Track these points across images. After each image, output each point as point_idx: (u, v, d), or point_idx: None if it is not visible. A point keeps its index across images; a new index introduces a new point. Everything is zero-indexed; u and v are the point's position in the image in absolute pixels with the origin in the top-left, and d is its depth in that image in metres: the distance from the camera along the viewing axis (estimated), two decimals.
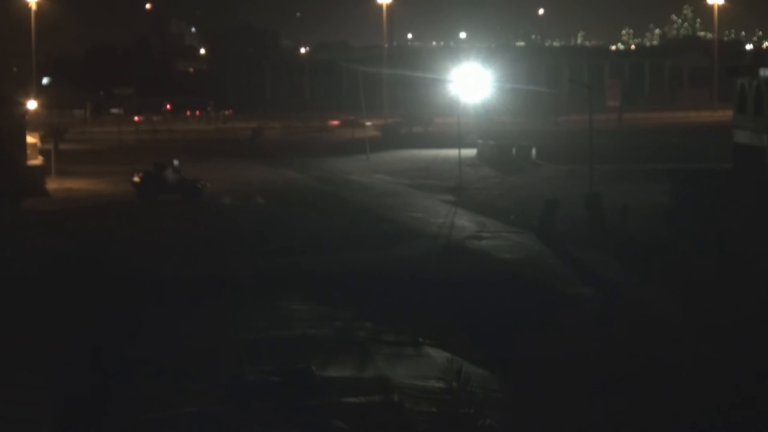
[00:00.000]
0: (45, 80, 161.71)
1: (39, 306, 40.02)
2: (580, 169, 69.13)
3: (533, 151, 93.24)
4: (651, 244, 51.43)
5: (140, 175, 72.83)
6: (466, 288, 42.89)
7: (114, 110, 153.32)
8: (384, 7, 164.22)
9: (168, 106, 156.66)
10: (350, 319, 37.56)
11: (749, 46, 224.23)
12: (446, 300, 40.63)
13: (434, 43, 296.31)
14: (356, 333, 35.98)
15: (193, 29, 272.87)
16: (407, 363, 32.16)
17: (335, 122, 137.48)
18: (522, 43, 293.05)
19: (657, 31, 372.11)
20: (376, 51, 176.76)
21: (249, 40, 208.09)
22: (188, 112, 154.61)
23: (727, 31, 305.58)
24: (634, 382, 30.48)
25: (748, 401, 28.81)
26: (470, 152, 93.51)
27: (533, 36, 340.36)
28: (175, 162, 74.85)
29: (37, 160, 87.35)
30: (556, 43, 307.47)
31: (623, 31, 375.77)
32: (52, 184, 78.25)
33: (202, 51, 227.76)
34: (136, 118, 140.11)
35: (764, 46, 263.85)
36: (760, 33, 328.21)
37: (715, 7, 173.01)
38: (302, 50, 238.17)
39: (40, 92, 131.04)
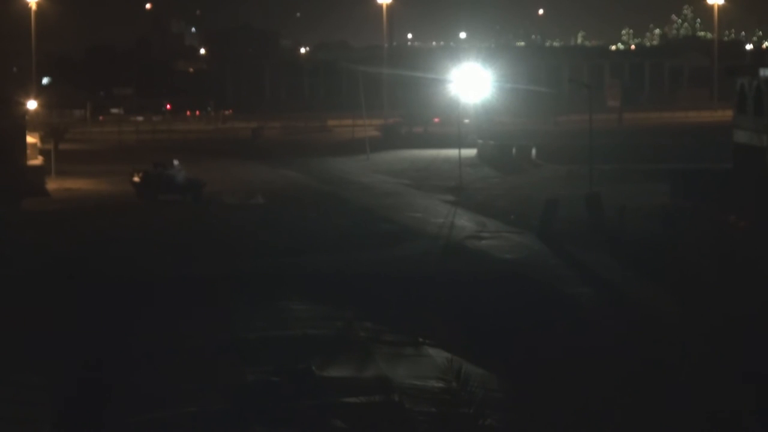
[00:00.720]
0: (45, 80, 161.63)
1: (39, 306, 40.02)
2: (580, 169, 69.14)
3: (533, 151, 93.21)
4: (651, 244, 51.43)
5: (140, 175, 72.81)
6: (466, 288, 42.90)
7: (114, 110, 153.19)
8: (384, 7, 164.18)
9: (168, 106, 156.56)
10: (350, 319, 37.56)
11: (749, 46, 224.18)
12: (446, 300, 40.64)
13: (434, 43, 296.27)
14: (356, 333, 35.98)
15: (193, 29, 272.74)
16: (407, 363, 32.16)
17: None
18: (522, 43, 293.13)
19: (657, 31, 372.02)
20: (376, 51, 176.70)
21: (249, 40, 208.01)
22: (188, 112, 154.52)
23: (727, 31, 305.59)
24: (633, 382, 30.48)
25: (747, 402, 28.82)
26: (470, 152, 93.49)
27: (533, 36, 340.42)
28: (175, 162, 74.83)
29: (37, 160, 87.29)
30: (556, 43, 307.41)
31: (623, 31, 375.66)
32: (52, 184, 78.25)
33: (202, 51, 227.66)
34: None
35: (764, 46, 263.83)
36: (760, 33, 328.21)
37: (715, 7, 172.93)
38: (302, 50, 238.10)
39: (40, 92, 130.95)
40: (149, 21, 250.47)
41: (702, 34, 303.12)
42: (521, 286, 43.83)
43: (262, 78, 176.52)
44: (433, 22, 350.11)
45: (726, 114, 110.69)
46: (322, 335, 35.28)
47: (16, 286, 43.57)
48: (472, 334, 35.70)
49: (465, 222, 61.16)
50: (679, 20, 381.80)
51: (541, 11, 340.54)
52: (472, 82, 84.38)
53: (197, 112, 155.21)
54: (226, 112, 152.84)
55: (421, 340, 34.84)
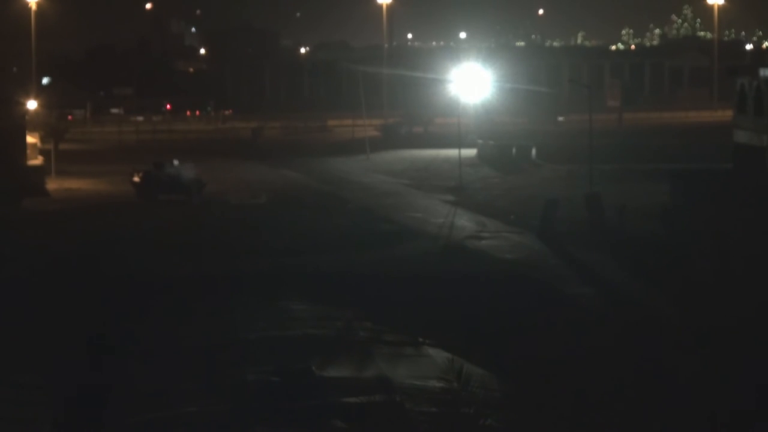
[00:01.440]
0: (45, 80, 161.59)
1: (39, 306, 40.04)
2: (580, 169, 69.16)
3: (533, 151, 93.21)
4: (651, 245, 51.43)
5: (140, 175, 72.82)
6: (466, 288, 42.91)
7: (114, 110, 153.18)
8: (384, 7, 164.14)
9: (168, 106, 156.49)
10: (350, 319, 37.57)
11: (749, 46, 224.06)
12: (446, 300, 40.64)
13: (434, 43, 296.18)
14: (356, 333, 35.99)
15: (193, 29, 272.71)
16: (407, 363, 32.16)
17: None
18: (522, 43, 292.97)
19: (657, 31, 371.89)
20: (376, 51, 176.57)
21: (249, 40, 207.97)
22: (188, 112, 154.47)
23: (727, 31, 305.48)
24: (633, 382, 30.48)
25: (747, 402, 28.82)
26: (470, 152, 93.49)
27: (533, 36, 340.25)
28: (175, 162, 74.84)
29: (37, 160, 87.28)
30: (556, 43, 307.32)
31: (623, 31, 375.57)
32: (52, 184, 78.24)
33: (202, 51, 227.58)
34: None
35: (764, 46, 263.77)
36: (760, 33, 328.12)
37: (715, 7, 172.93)
38: (302, 50, 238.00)
39: (40, 92, 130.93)
40: (149, 21, 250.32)
41: (702, 34, 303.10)
42: (521, 286, 43.84)
43: (262, 78, 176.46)
44: (433, 22, 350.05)
45: (726, 114, 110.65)
46: (322, 335, 35.28)
47: (15, 286, 43.56)
48: (472, 334, 35.70)
49: (465, 222, 61.17)
50: (679, 20, 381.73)
51: (541, 11, 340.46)
52: (472, 82, 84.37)
53: (197, 112, 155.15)
54: (226, 112, 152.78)
55: (421, 340, 34.84)
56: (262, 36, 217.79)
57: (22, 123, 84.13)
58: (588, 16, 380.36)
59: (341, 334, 35.79)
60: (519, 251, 51.65)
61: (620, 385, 30.17)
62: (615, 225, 55.94)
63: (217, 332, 35.48)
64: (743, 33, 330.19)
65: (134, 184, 73.05)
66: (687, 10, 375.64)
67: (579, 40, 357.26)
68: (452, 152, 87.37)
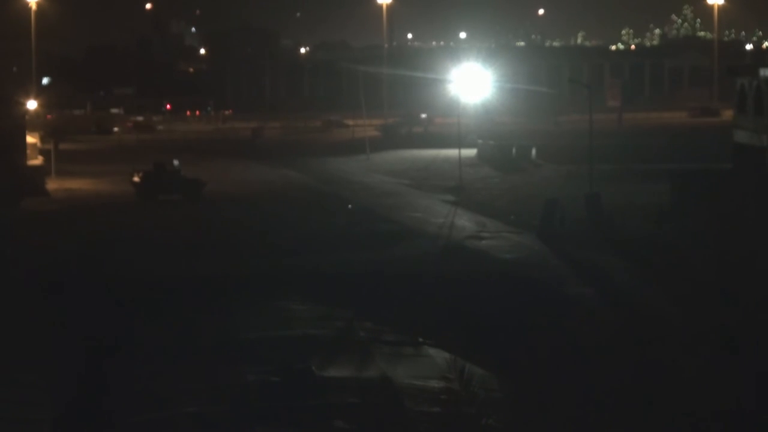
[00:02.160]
0: (45, 80, 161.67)
1: (39, 306, 40.02)
2: (580, 169, 69.14)
3: (533, 151, 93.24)
4: (651, 245, 51.43)
5: (140, 175, 72.83)
6: (466, 288, 42.89)
7: (114, 110, 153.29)
8: (384, 7, 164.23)
9: (168, 106, 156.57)
10: (350, 319, 37.57)
11: (749, 46, 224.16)
12: (446, 300, 40.63)
13: (434, 43, 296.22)
14: (356, 333, 35.98)
15: (193, 29, 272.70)
16: (407, 363, 32.15)
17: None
18: (522, 43, 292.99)
19: (657, 31, 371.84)
20: (376, 51, 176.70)
21: (249, 40, 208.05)
22: (188, 112, 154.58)
23: (727, 31, 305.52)
24: (633, 382, 30.49)
25: (747, 402, 28.82)
26: (470, 152, 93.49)
27: (533, 36, 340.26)
28: (175, 162, 74.82)
29: (37, 160, 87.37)
30: (556, 43, 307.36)
31: (623, 31, 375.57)
32: (52, 184, 78.23)
33: (202, 51, 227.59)
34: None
35: (764, 46, 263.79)
36: (760, 33, 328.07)
37: (715, 7, 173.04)
38: (302, 50, 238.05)
39: (40, 92, 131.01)
40: (149, 21, 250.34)
41: (702, 34, 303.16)
42: (521, 286, 43.83)
43: (262, 78, 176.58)
44: (433, 22, 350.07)
45: (726, 114, 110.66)
46: (322, 335, 35.28)
47: (15, 286, 43.55)
48: (472, 334, 35.69)
49: (465, 222, 61.17)
50: (679, 20, 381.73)
51: (541, 11, 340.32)
52: (472, 82, 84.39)
53: (197, 112, 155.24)
54: (226, 112, 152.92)
55: (421, 340, 34.84)
56: (262, 36, 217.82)
57: (22, 123, 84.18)
58: (588, 16, 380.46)
59: (341, 334, 35.79)
60: (519, 251, 51.64)
61: (621, 384, 30.18)
62: (614, 225, 55.95)
63: (217, 332, 35.47)
64: (743, 33, 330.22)
65: (134, 184, 73.05)
66: (687, 10, 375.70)
67: (579, 40, 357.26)
68: (452, 152, 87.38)
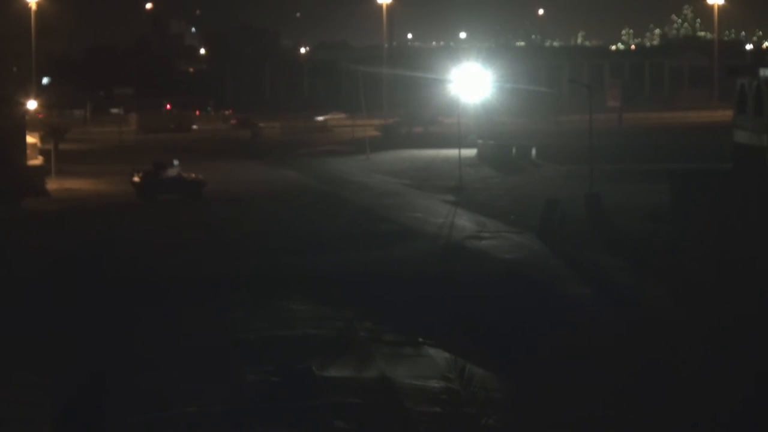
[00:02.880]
0: (45, 80, 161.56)
1: (39, 306, 40.03)
2: (580, 169, 69.12)
3: (533, 151, 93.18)
4: (651, 245, 51.42)
5: (140, 175, 72.85)
6: (466, 288, 42.90)
7: (114, 110, 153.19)
8: (384, 7, 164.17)
9: (168, 106, 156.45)
10: (350, 319, 37.58)
11: (749, 46, 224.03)
12: (446, 300, 40.64)
13: (434, 43, 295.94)
14: (356, 333, 36.00)
15: (193, 29, 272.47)
16: (407, 363, 32.17)
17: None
18: (522, 43, 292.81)
19: (657, 31, 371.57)
20: (376, 51, 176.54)
21: (249, 40, 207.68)
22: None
23: (727, 31, 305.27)
24: (634, 382, 30.49)
25: (747, 402, 28.82)
26: (470, 152, 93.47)
27: (533, 36, 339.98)
28: (175, 162, 74.82)
29: (37, 160, 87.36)
30: (556, 43, 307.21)
31: (623, 31, 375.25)
32: (52, 184, 78.22)
33: (202, 51, 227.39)
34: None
35: (764, 46, 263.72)
36: (760, 33, 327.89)
37: (715, 7, 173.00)
38: (302, 50, 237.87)
39: (40, 92, 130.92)
40: (149, 21, 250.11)
41: (702, 34, 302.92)
42: (521, 286, 43.83)
43: (262, 78, 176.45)
44: (433, 22, 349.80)
45: (726, 114, 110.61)
46: (322, 335, 35.29)
47: (15, 286, 43.55)
48: (472, 334, 35.70)
49: (465, 222, 61.16)
50: (679, 20, 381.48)
51: (541, 11, 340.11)
52: (472, 82, 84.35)
53: (197, 112, 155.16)
54: (226, 112, 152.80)
55: (421, 340, 34.85)
56: (262, 36, 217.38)
57: (22, 123, 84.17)
58: (588, 16, 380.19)
59: (341, 334, 35.80)
60: (519, 251, 51.65)
61: (621, 384, 30.18)
62: (613, 225, 55.97)
63: (217, 332, 35.48)
64: (743, 33, 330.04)
65: (134, 184, 73.07)
66: (687, 10, 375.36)
67: (579, 40, 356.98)
68: (452, 152, 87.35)
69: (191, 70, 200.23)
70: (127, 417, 27.47)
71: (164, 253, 51.37)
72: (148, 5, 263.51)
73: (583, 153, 66.50)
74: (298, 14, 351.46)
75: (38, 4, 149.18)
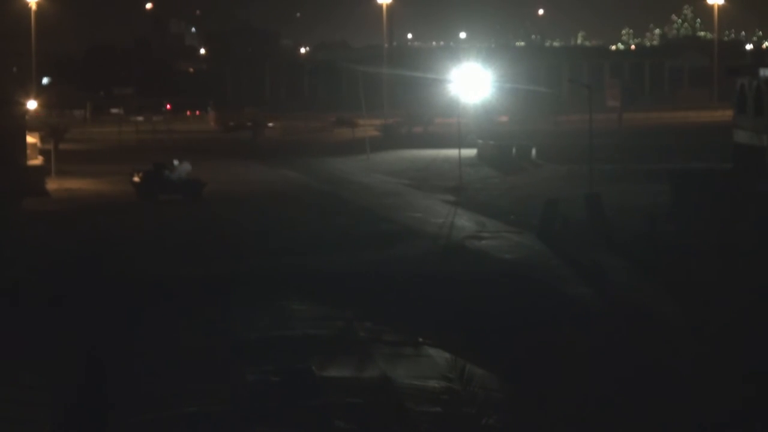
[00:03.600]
0: (45, 80, 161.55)
1: (39, 306, 40.02)
2: (580, 169, 69.13)
3: (533, 151, 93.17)
4: (651, 245, 51.42)
5: (140, 175, 72.84)
6: (466, 288, 42.91)
7: (114, 110, 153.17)
8: (384, 7, 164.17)
9: (168, 106, 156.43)
10: (350, 319, 37.59)
11: (749, 46, 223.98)
12: (446, 300, 40.66)
13: (434, 43, 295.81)
14: (356, 333, 36.00)
15: (193, 29, 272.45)
16: (407, 363, 32.17)
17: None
18: (522, 43, 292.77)
19: (657, 31, 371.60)
20: (376, 51, 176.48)
21: (249, 40, 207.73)
22: (188, 112, 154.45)
23: (727, 31, 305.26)
24: (633, 382, 30.50)
25: (747, 401, 28.82)
26: (470, 152, 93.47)
27: (533, 36, 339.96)
28: (175, 162, 74.83)
29: (37, 160, 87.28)
30: (556, 43, 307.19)
31: (623, 31, 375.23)
32: (52, 184, 78.22)
33: (202, 51, 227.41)
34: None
35: (764, 46, 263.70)
36: (760, 33, 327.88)
37: (715, 7, 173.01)
38: (302, 50, 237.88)
39: (40, 92, 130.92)
40: (149, 21, 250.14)
41: (702, 34, 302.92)
42: (521, 286, 43.84)
43: (262, 78, 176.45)
44: (433, 22, 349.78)
45: (726, 114, 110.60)
46: (322, 335, 35.29)
47: (15, 286, 43.54)
48: (472, 333, 35.70)
49: (465, 222, 61.17)
50: (679, 20, 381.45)
51: (541, 11, 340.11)
52: (472, 82, 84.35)
53: (197, 112, 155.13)
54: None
55: (421, 340, 34.85)
56: (262, 36, 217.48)
57: (22, 123, 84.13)
58: (588, 16, 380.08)
59: (341, 334, 35.81)
60: (519, 251, 51.66)
61: (621, 384, 30.19)
62: (613, 225, 55.96)
63: (217, 332, 35.48)
64: (743, 33, 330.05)
65: (134, 184, 73.06)
66: (687, 10, 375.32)
67: (579, 40, 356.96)
68: (452, 152, 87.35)
69: (191, 70, 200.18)
70: (127, 417, 27.48)
71: (164, 253, 51.38)
72: (148, 5, 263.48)
73: (583, 153, 66.51)
74: (298, 14, 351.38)
75: (38, 4, 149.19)
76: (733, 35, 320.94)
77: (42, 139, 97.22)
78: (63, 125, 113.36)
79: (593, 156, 62.57)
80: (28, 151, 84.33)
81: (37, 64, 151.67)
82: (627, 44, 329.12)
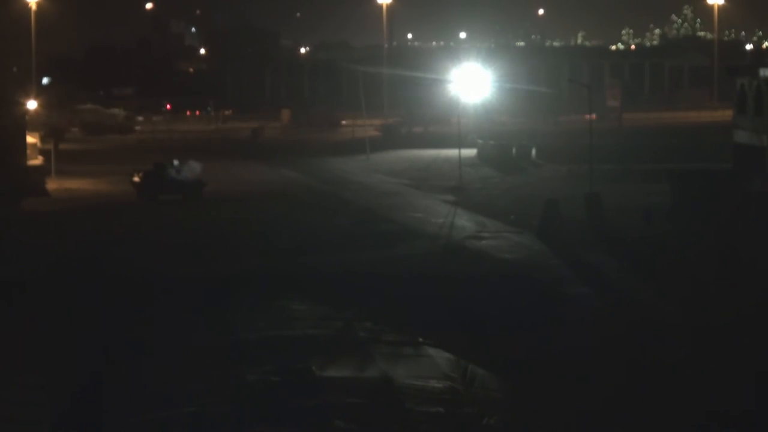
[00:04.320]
0: (45, 80, 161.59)
1: (39, 306, 40.03)
2: (580, 169, 69.15)
3: (533, 151, 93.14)
4: (651, 245, 51.43)
5: (140, 175, 72.83)
6: (466, 288, 42.91)
7: (114, 110, 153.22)
8: (384, 7, 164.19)
9: (168, 106, 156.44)
10: (350, 319, 37.59)
11: (749, 46, 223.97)
12: (446, 300, 40.66)
13: (434, 43, 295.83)
14: (356, 333, 36.00)
15: (193, 29, 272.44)
16: (407, 363, 32.16)
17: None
18: (522, 43, 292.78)
19: (657, 31, 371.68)
20: (376, 51, 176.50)
21: (249, 40, 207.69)
22: (188, 112, 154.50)
23: (727, 31, 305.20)
24: (634, 382, 30.50)
25: (747, 402, 28.83)
26: (470, 152, 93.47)
27: (533, 36, 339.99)
28: (175, 162, 74.81)
29: (37, 160, 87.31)
30: (556, 43, 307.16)
31: (623, 31, 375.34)
32: (52, 184, 78.21)
33: (202, 51, 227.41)
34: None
35: (764, 46, 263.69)
36: (760, 33, 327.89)
37: (715, 7, 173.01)
38: (302, 50, 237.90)
39: (40, 92, 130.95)
40: (149, 21, 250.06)
41: (702, 34, 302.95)
42: (521, 286, 43.84)
43: (262, 78, 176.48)
44: (433, 22, 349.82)
45: (726, 114, 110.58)
46: (322, 335, 35.30)
47: (15, 286, 43.54)
48: (472, 334, 35.71)
49: (465, 222, 61.17)
50: (679, 20, 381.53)
51: (541, 11, 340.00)
52: (472, 82, 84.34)
53: (197, 112, 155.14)
54: (226, 112, 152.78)
55: (421, 340, 34.85)
56: (262, 36, 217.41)
57: (22, 123, 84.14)
58: (588, 16, 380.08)
59: (341, 334, 35.81)
60: (519, 251, 51.66)
61: (621, 384, 30.19)
62: (613, 224, 55.99)
63: (217, 332, 35.49)
64: (743, 33, 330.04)
65: (134, 184, 73.06)
66: (687, 10, 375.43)
67: (579, 40, 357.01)
68: (452, 152, 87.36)
69: (191, 70, 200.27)
70: (127, 417, 27.48)
71: (164, 252, 51.37)
72: (148, 5, 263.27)
73: (583, 153, 66.52)
74: (298, 14, 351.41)
75: (38, 4, 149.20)
76: (733, 35, 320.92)
77: (42, 139, 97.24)
78: (63, 125, 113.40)
79: (593, 156, 62.57)
80: (28, 151, 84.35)
81: (37, 64, 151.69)
82: (627, 44, 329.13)
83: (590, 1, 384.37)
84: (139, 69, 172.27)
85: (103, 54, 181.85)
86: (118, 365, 32.03)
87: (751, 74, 64.11)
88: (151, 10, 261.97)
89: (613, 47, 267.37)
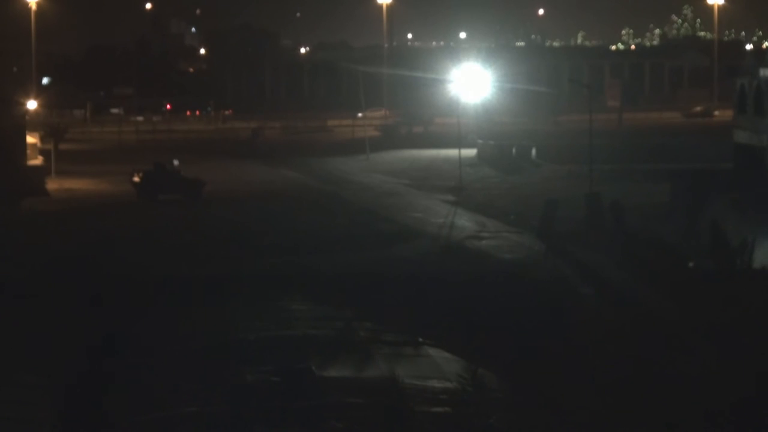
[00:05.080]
0: (45, 80, 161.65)
1: (39, 306, 40.01)
2: (580, 169, 69.14)
3: (533, 151, 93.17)
4: (651, 244, 51.35)
5: (140, 175, 72.85)
6: (466, 288, 42.90)
7: (114, 110, 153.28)
8: (384, 7, 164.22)
9: (168, 106, 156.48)
10: (350, 319, 37.58)
11: (749, 46, 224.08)
12: (446, 300, 40.64)
13: (434, 43, 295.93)
14: (356, 333, 36.00)
15: (193, 29, 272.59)
16: (407, 363, 32.16)
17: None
18: (522, 43, 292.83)
19: (657, 31, 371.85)
20: (376, 51, 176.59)
21: (249, 40, 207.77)
22: (188, 112, 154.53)
23: (727, 31, 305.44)
24: (634, 382, 30.49)
25: (747, 402, 28.80)
26: (470, 152, 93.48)
27: (533, 36, 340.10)
28: (175, 162, 74.82)
29: (37, 160, 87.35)
30: (556, 43, 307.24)
31: (623, 31, 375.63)
32: (52, 184, 78.25)
33: (202, 51, 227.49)
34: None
35: (764, 46, 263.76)
36: (760, 33, 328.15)
37: (715, 7, 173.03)
38: (302, 50, 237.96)
39: (40, 92, 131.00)
40: (149, 21, 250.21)
41: (702, 34, 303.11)
42: (521, 285, 43.82)
43: (262, 78, 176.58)
44: (433, 22, 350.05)
45: (726, 114, 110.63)
46: (322, 335, 35.29)
47: (15, 286, 43.54)
48: (472, 333, 35.69)
49: (465, 222, 61.16)
50: (679, 20, 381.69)
51: (541, 11, 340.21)
52: (472, 82, 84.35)
53: (197, 112, 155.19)
54: (226, 112, 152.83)
55: (421, 340, 34.84)
56: (262, 36, 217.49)
57: (22, 123, 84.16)
58: (588, 16, 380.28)
59: (341, 334, 35.80)
60: (519, 251, 51.65)
61: (621, 384, 30.18)
62: (612, 223, 55.93)
63: (217, 332, 35.48)
64: (743, 33, 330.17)
65: (134, 184, 73.07)
66: (687, 10, 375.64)
67: (579, 40, 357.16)
68: (452, 152, 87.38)
69: (191, 70, 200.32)
70: (127, 417, 27.47)
71: (164, 252, 51.37)
72: (148, 5, 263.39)
73: (583, 153, 66.54)
74: (298, 14, 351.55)
75: (38, 4, 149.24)
76: (733, 35, 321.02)
77: (42, 139, 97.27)
78: (63, 125, 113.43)
79: (593, 156, 62.56)
80: (28, 151, 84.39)
81: (37, 64, 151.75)
82: (627, 44, 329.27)
83: (590, 1, 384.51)
84: (139, 69, 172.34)
85: (103, 54, 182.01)
86: (118, 365, 32.02)
87: (751, 74, 64.11)
88: (150, 10, 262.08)
89: (613, 47, 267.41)
